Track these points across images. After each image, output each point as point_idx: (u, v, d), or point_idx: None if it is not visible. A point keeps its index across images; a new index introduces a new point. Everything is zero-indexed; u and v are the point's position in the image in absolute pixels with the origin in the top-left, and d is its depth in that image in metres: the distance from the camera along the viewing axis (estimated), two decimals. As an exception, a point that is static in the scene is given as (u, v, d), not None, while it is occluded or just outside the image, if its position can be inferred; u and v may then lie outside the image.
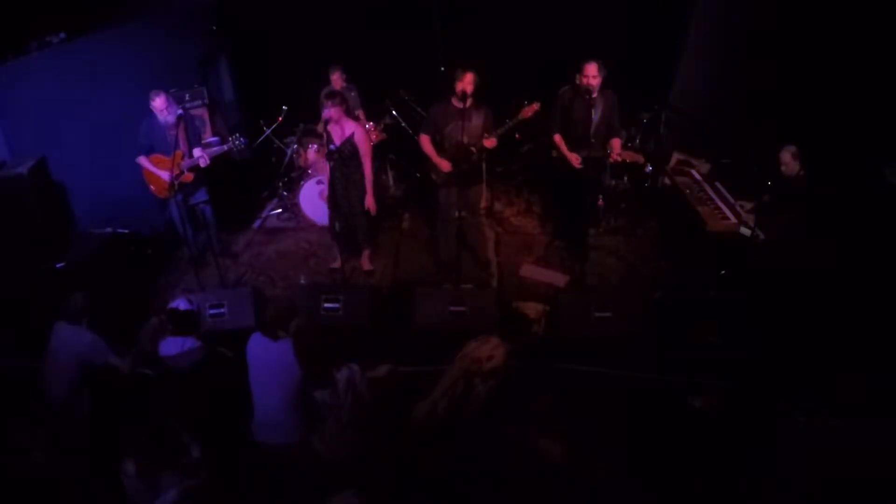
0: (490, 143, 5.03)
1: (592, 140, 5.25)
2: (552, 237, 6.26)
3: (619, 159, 5.56)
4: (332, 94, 5.07)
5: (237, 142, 5.46)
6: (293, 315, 3.57)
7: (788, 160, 4.95)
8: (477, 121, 5.05)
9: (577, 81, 5.23)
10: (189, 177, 5.48)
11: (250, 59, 7.89)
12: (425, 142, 5.20)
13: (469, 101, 4.89)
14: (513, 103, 6.22)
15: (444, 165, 5.12)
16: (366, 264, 5.91)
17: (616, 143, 5.39)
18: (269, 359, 3.45)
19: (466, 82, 4.83)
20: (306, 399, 3.47)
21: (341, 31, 7.51)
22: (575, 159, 5.39)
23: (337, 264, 5.77)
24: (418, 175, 7.39)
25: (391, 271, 5.99)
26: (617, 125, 5.47)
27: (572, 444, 2.89)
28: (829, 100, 5.33)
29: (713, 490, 3.50)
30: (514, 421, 2.89)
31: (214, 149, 5.53)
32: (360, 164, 5.26)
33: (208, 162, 5.41)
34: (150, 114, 5.32)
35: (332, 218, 5.47)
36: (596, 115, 5.16)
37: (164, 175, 5.31)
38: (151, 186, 5.58)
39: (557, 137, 5.48)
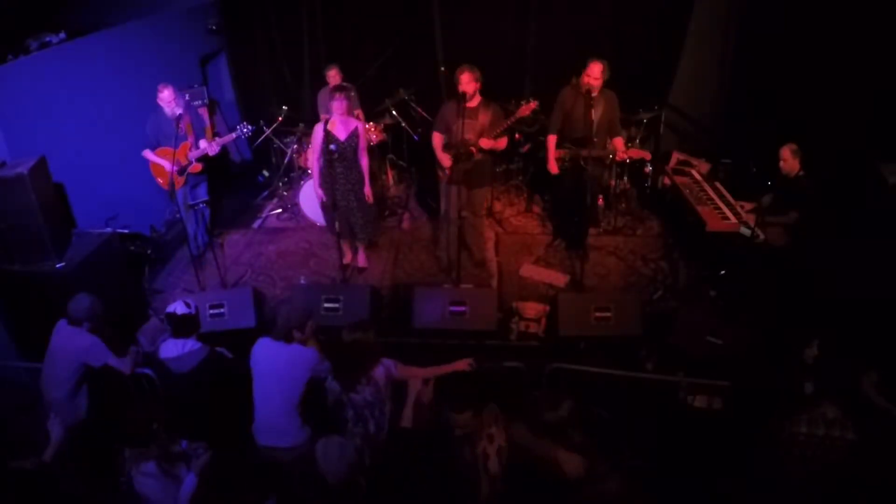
0: (485, 143, 5.01)
1: (595, 139, 5.25)
2: (552, 237, 6.26)
3: (626, 157, 5.58)
4: (342, 87, 5.09)
5: (244, 130, 5.58)
6: (309, 317, 3.58)
7: (787, 156, 4.98)
8: (483, 119, 5.04)
9: (580, 81, 5.23)
10: (197, 167, 5.54)
11: (251, 59, 7.89)
12: (436, 139, 5.22)
13: (476, 100, 4.90)
14: (512, 103, 6.24)
15: (445, 160, 5.12)
16: (361, 260, 5.92)
17: (619, 143, 5.40)
18: (277, 362, 3.45)
19: (464, 83, 4.85)
20: (330, 406, 3.47)
21: (341, 30, 7.50)
22: (553, 166, 5.43)
23: (346, 259, 5.80)
24: (416, 174, 7.40)
25: (391, 271, 5.99)
26: (618, 125, 5.47)
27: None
28: (829, 100, 5.33)
29: (713, 490, 3.50)
30: (532, 430, 2.88)
31: (223, 137, 5.64)
32: (358, 159, 5.29)
33: (217, 150, 5.52)
34: (156, 109, 5.37)
35: (332, 219, 5.46)
36: (597, 115, 5.16)
37: (170, 165, 5.36)
38: (159, 179, 5.63)
39: (551, 138, 5.49)
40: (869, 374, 3.30)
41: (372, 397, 3.34)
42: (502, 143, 5.15)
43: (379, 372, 3.39)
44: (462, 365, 3.67)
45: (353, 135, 5.17)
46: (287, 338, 3.49)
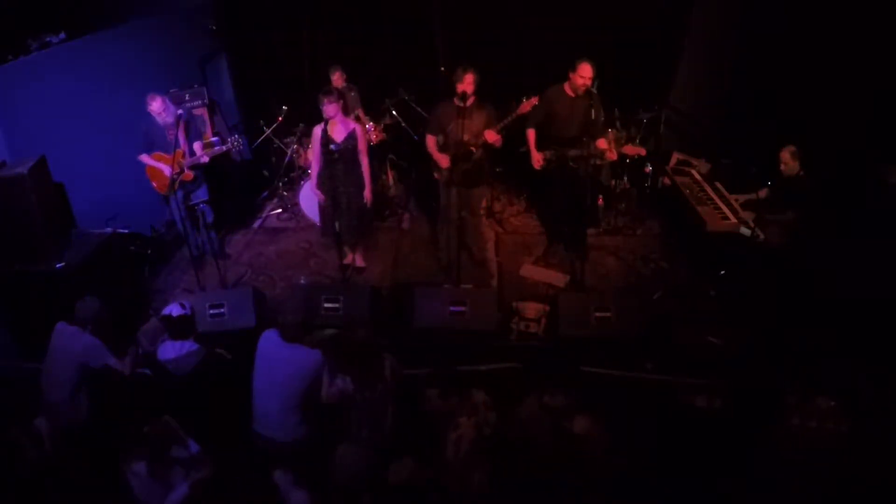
0: (491, 136, 4.96)
1: (584, 139, 5.25)
2: (552, 237, 6.25)
3: (629, 154, 5.55)
4: (329, 91, 5.05)
5: (236, 143, 5.53)
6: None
7: (788, 159, 4.99)
8: (479, 119, 5.04)
9: (571, 81, 5.22)
10: (189, 175, 5.51)
11: (250, 59, 7.89)
12: (430, 141, 5.22)
13: (471, 100, 4.89)
14: (513, 103, 6.23)
15: (443, 161, 5.11)
16: (359, 261, 5.92)
17: (601, 143, 5.40)
18: (282, 360, 3.47)
19: (467, 83, 4.84)
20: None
21: (342, 30, 7.50)
22: (537, 160, 5.40)
23: (347, 259, 5.80)
24: (416, 174, 7.39)
25: (391, 271, 5.99)
26: (601, 125, 5.46)
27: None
28: (829, 100, 5.33)
29: (713, 490, 3.50)
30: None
31: (214, 149, 5.55)
32: (358, 161, 5.27)
33: (208, 159, 5.47)
34: (149, 114, 5.33)
35: (331, 218, 5.45)
36: (587, 114, 5.16)
37: (166, 169, 5.34)
38: (154, 183, 5.61)
39: (531, 132, 5.49)
40: None
41: (381, 395, 3.36)
42: (499, 140, 5.13)
43: (387, 365, 3.46)
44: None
45: (351, 136, 5.15)
46: (297, 339, 3.49)
